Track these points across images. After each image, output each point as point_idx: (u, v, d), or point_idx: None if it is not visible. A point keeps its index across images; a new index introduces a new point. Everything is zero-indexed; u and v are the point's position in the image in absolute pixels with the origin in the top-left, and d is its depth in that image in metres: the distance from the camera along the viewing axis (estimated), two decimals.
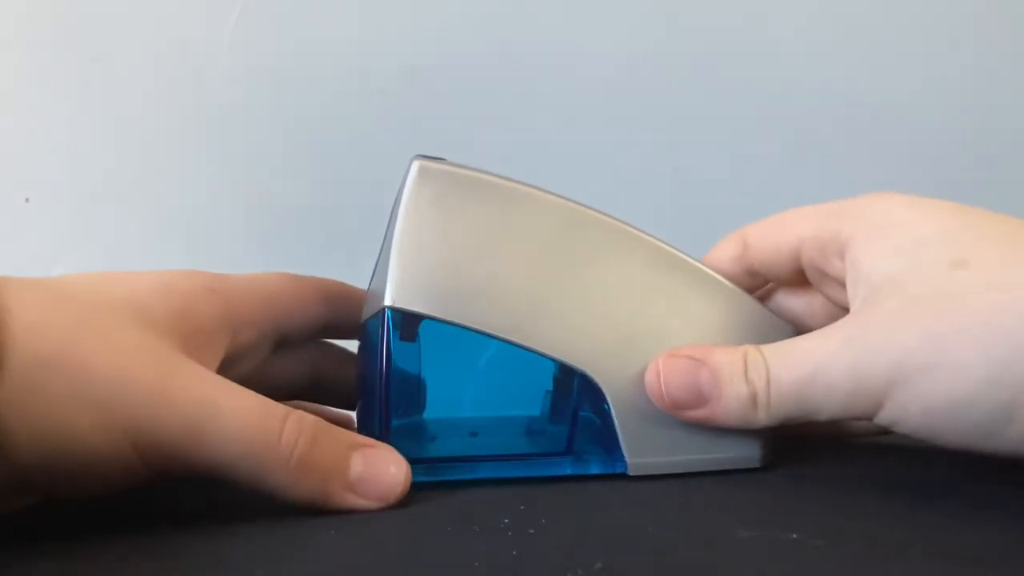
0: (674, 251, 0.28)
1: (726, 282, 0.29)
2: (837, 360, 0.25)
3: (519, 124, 0.53)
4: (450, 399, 0.27)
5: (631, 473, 0.27)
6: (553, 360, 0.27)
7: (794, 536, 0.21)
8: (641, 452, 0.27)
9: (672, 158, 0.54)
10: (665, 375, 0.26)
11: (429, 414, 0.28)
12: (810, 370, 0.25)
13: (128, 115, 0.52)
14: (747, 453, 0.28)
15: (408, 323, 0.26)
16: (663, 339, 0.27)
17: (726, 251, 0.30)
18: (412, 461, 0.25)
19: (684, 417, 0.27)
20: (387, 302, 0.26)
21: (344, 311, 0.31)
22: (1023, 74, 0.55)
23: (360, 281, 0.32)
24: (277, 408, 0.23)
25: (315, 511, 0.24)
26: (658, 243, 0.28)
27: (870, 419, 0.25)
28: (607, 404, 0.27)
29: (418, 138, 0.51)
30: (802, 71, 0.54)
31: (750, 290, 0.30)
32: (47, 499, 0.23)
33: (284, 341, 0.30)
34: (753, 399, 0.26)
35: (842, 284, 0.28)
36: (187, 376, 0.22)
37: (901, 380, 0.23)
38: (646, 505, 0.25)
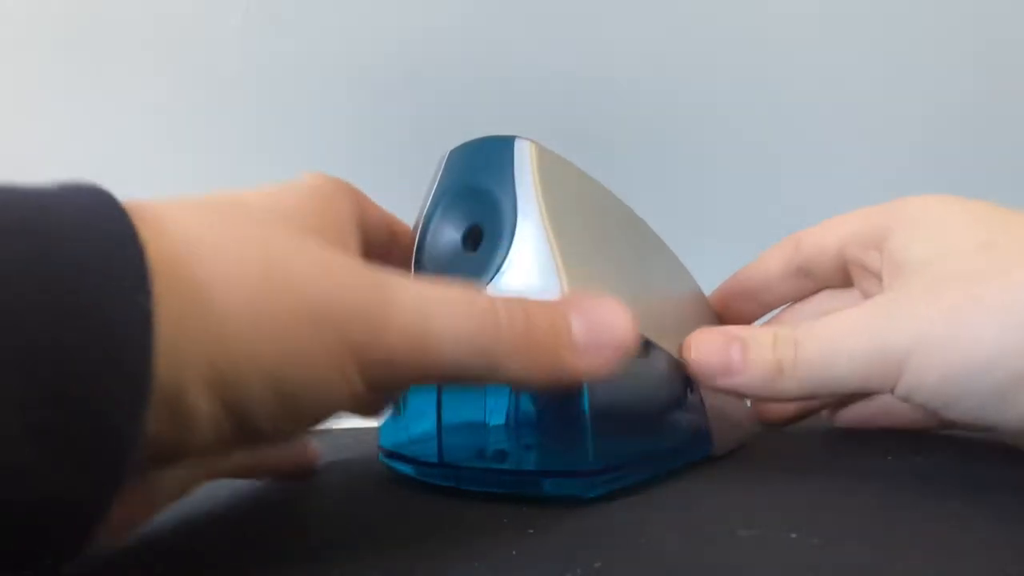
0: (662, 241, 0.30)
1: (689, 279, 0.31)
2: (861, 331, 0.26)
3: (520, 125, 0.53)
4: (464, 406, 0.26)
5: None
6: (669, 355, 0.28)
7: (794, 536, 0.21)
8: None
9: (673, 158, 0.54)
10: (698, 347, 0.28)
11: (445, 422, 0.26)
12: (835, 340, 0.26)
13: (131, 115, 0.52)
14: (701, 445, 0.29)
15: None
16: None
17: (779, 253, 0.33)
18: (428, 466, 0.25)
19: (715, 385, 0.28)
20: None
21: (400, 236, 0.29)
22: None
23: None
24: (481, 295, 0.22)
25: (314, 511, 0.25)
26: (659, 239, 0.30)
27: (890, 390, 0.26)
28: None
29: (419, 138, 0.51)
30: (801, 71, 0.54)
31: (800, 293, 0.33)
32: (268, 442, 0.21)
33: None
34: (779, 366, 0.27)
35: (879, 278, 0.30)
36: (395, 287, 0.20)
37: (921, 349, 0.25)
38: (646, 505, 0.25)
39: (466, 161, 0.27)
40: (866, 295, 0.31)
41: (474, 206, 0.26)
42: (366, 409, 0.21)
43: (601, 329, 0.22)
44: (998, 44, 0.55)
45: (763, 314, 0.35)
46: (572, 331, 0.22)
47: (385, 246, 0.28)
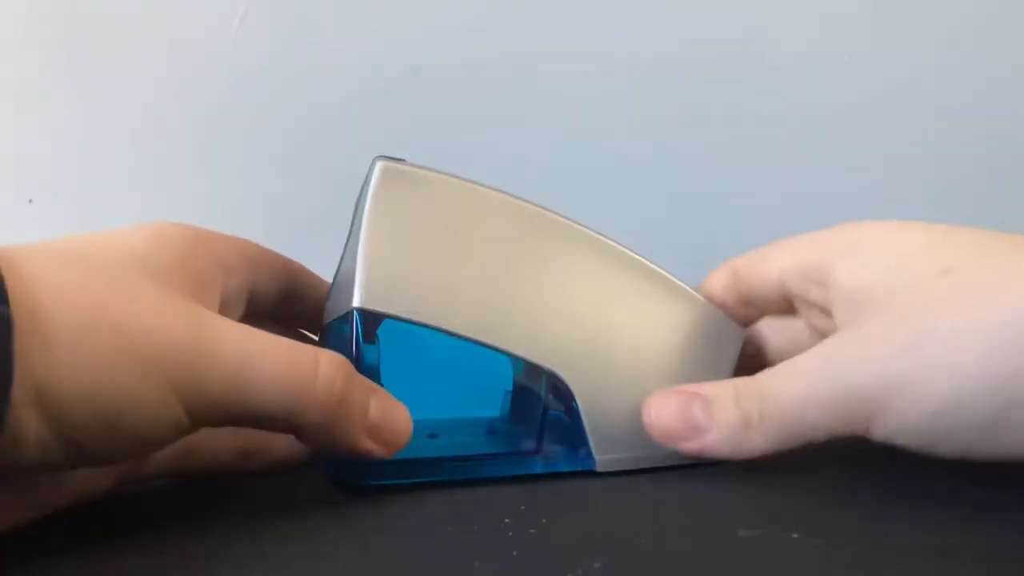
0: (629, 251, 0.29)
1: (676, 280, 0.30)
2: (829, 374, 0.25)
3: (520, 125, 0.53)
4: (412, 400, 0.26)
5: (599, 470, 0.28)
6: (520, 359, 0.27)
7: (794, 536, 0.21)
8: (608, 449, 0.28)
9: (673, 158, 0.54)
10: (657, 410, 0.27)
11: None
12: (802, 387, 0.25)
13: (131, 115, 0.52)
14: None
15: (375, 325, 0.26)
16: (627, 336, 0.28)
17: (718, 280, 0.31)
18: (380, 464, 0.25)
19: (683, 450, 0.27)
20: (356, 303, 0.26)
21: (305, 289, 0.31)
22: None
23: None
24: (307, 349, 0.23)
25: (314, 510, 0.25)
26: (614, 244, 0.29)
27: (868, 433, 0.25)
28: (575, 402, 0.27)
29: (420, 139, 0.51)
30: (802, 83, 0.54)
31: (745, 320, 0.31)
32: (100, 469, 0.23)
33: (253, 299, 0.30)
34: (746, 423, 0.26)
35: (824, 312, 0.28)
36: (219, 328, 0.22)
37: (897, 388, 0.23)
38: (646, 505, 0.25)
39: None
40: (815, 328, 0.30)
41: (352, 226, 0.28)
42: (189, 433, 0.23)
43: (391, 422, 0.25)
44: (998, 44, 0.55)
45: None
46: (369, 413, 0.24)
47: (290, 290, 0.31)
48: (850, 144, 0.55)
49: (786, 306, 0.31)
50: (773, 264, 0.30)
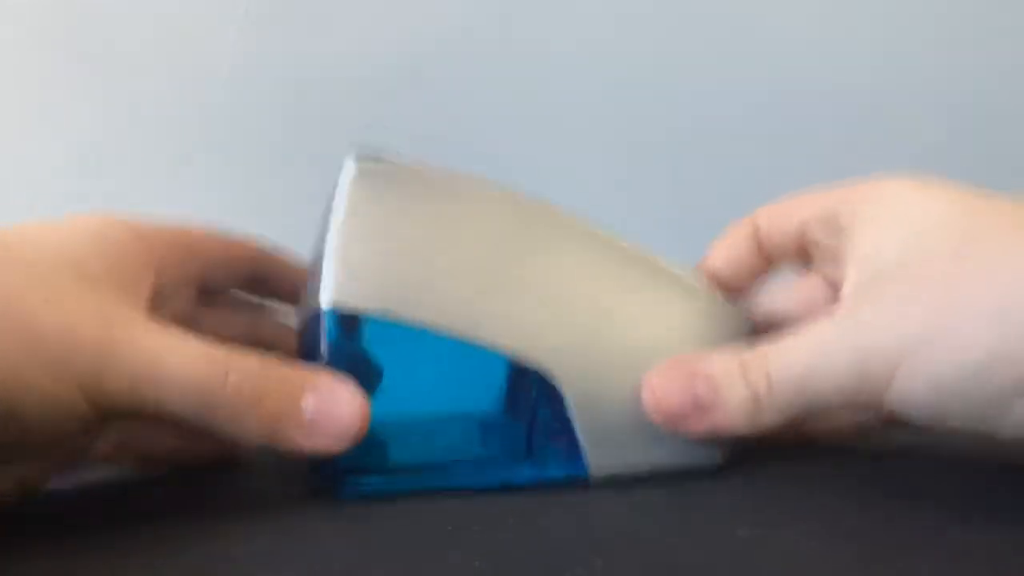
0: (623, 242, 0.28)
1: (676, 270, 0.28)
2: (840, 343, 0.24)
3: (521, 125, 0.53)
4: (398, 403, 0.25)
5: (592, 475, 0.26)
6: (507, 358, 0.26)
7: (794, 536, 0.21)
8: (601, 454, 0.26)
9: (673, 158, 0.54)
10: (659, 391, 0.26)
11: (376, 419, 0.24)
12: (812, 358, 0.24)
13: (131, 115, 0.52)
14: (708, 452, 0.27)
15: (350, 324, 0.25)
16: (623, 334, 0.27)
17: (739, 232, 0.30)
18: (360, 471, 0.25)
19: (687, 430, 0.26)
20: (324, 303, 0.24)
21: (271, 270, 0.32)
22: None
23: None
24: (220, 352, 0.23)
25: (314, 510, 0.24)
26: (610, 235, 0.27)
27: (878, 405, 0.24)
28: (566, 405, 0.26)
29: (419, 139, 0.51)
30: (802, 68, 0.54)
31: (760, 271, 0.30)
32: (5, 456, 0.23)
33: (208, 288, 0.30)
34: (756, 399, 0.25)
35: (839, 263, 0.27)
36: (131, 328, 0.23)
37: (908, 355, 0.23)
38: (646, 505, 0.25)
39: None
40: (829, 280, 0.29)
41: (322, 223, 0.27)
42: (97, 426, 0.23)
43: (329, 415, 0.24)
44: (999, 44, 0.55)
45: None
46: (302, 409, 0.24)
47: (254, 273, 0.31)
48: (850, 144, 0.55)
49: (803, 255, 0.30)
50: (799, 212, 0.29)
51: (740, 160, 0.54)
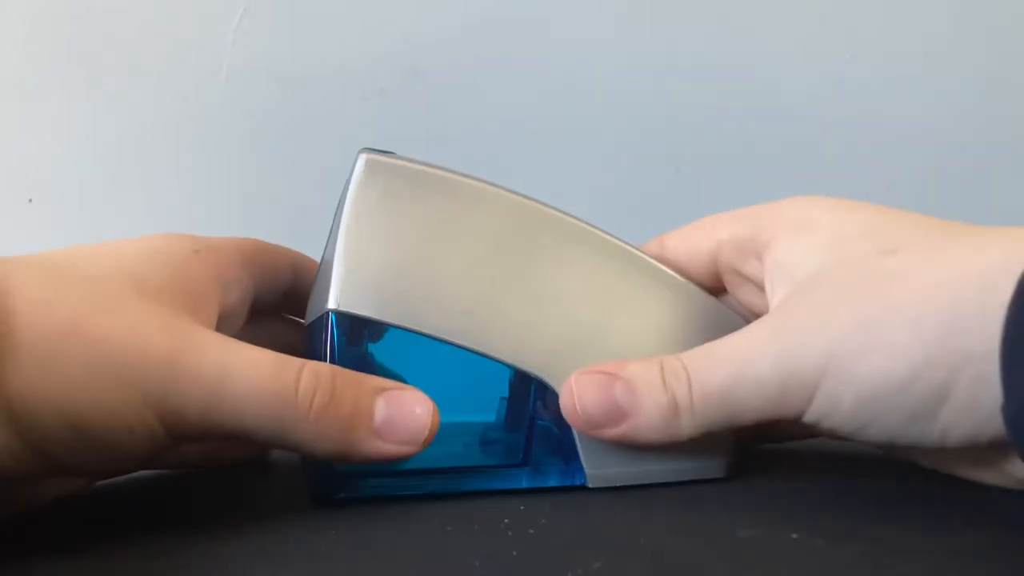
0: (628, 247, 0.27)
1: (679, 277, 0.28)
2: (764, 355, 0.24)
3: (520, 125, 0.53)
4: None
5: (590, 485, 0.26)
6: (507, 366, 0.25)
7: (794, 536, 0.21)
8: (601, 463, 0.26)
9: (674, 158, 0.54)
10: (578, 393, 0.25)
11: None
12: (735, 369, 0.24)
13: (131, 116, 0.52)
14: (711, 463, 0.27)
15: (354, 327, 0.25)
16: (625, 342, 0.27)
17: (646, 251, 0.29)
18: (358, 476, 0.25)
19: (603, 436, 0.25)
20: (331, 305, 0.24)
21: (308, 281, 0.31)
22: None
23: None
24: (291, 362, 0.23)
25: (314, 511, 0.24)
26: (613, 240, 0.27)
27: (800, 417, 0.24)
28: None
29: (419, 139, 0.51)
30: (802, 68, 0.54)
31: None
32: (78, 477, 0.23)
33: (256, 306, 0.30)
34: (674, 407, 0.24)
35: (758, 286, 0.27)
36: (198, 341, 0.22)
37: (833, 367, 0.22)
38: (645, 505, 0.25)
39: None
40: (744, 304, 0.29)
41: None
42: (170, 449, 0.23)
43: (402, 420, 0.23)
44: (1000, 45, 0.55)
45: None
46: (375, 416, 0.23)
47: (294, 283, 0.31)
48: (851, 144, 0.55)
49: (714, 281, 0.29)
50: (709, 236, 0.28)
51: (740, 160, 0.54)
